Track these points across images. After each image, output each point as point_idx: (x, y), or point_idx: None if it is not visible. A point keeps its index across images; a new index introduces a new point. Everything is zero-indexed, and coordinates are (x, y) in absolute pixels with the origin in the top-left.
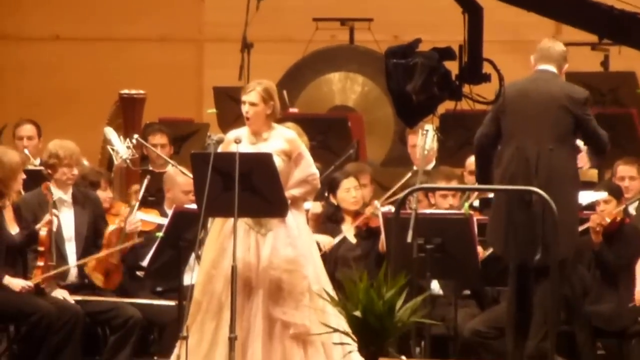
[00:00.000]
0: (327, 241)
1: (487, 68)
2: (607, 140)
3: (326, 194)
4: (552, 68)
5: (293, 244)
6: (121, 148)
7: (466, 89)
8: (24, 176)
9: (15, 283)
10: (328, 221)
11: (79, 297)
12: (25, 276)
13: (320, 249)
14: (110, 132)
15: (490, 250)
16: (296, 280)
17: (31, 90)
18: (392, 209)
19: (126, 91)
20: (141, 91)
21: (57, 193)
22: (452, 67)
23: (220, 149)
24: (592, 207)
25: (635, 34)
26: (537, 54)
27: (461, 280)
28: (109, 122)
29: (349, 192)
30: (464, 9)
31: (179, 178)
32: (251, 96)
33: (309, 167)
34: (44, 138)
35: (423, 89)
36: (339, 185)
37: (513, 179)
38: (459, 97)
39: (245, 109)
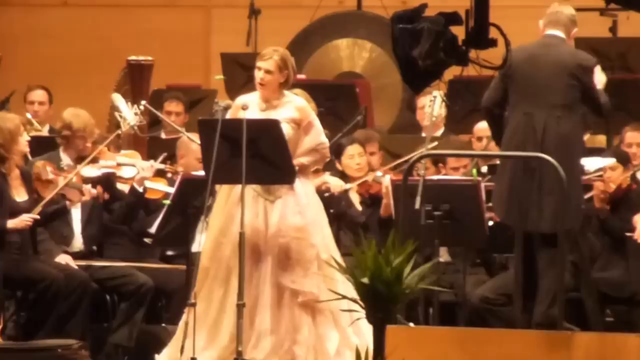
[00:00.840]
0: (339, 184)
1: (493, 33)
2: (607, 105)
3: (333, 159)
4: (559, 33)
5: (302, 212)
6: (129, 114)
7: (473, 54)
8: (27, 138)
9: (19, 220)
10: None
11: (83, 263)
12: (34, 248)
13: (329, 190)
14: (118, 99)
15: None
16: (304, 248)
17: (39, 57)
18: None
19: (134, 57)
20: (149, 57)
21: (65, 160)
22: (459, 32)
23: (229, 114)
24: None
25: None
26: (546, 19)
27: (469, 246)
28: (116, 88)
29: (353, 159)
30: None
31: (194, 145)
32: (268, 63)
33: (318, 136)
34: (55, 106)
35: (429, 54)
36: (344, 152)
37: (520, 146)
38: (466, 63)
39: (260, 75)
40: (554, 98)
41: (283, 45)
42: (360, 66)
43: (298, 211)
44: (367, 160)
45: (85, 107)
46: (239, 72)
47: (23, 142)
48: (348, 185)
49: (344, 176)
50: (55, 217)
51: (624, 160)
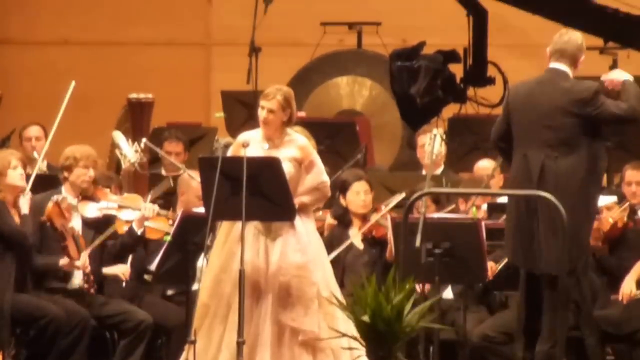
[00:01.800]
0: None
1: (491, 71)
2: (630, 112)
3: (337, 194)
4: (563, 67)
5: (302, 249)
6: (129, 152)
7: (471, 91)
8: (21, 172)
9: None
10: (336, 221)
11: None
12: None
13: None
14: (119, 136)
15: (504, 261)
16: (305, 286)
17: (40, 95)
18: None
19: (134, 95)
20: (149, 95)
21: (69, 198)
22: (458, 70)
23: (230, 152)
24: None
25: None
26: (552, 47)
27: (470, 284)
28: (117, 126)
29: (359, 196)
30: (468, 12)
31: (194, 182)
32: (271, 103)
33: (320, 175)
34: (53, 142)
35: (427, 91)
36: (350, 188)
37: (520, 187)
38: (464, 100)
39: (263, 114)
40: (549, 138)
41: (283, 83)
42: (361, 104)
43: (299, 249)
44: (371, 199)
45: (86, 143)
46: (240, 110)
47: (14, 176)
48: (344, 246)
49: (347, 212)
50: (46, 271)
51: (619, 199)
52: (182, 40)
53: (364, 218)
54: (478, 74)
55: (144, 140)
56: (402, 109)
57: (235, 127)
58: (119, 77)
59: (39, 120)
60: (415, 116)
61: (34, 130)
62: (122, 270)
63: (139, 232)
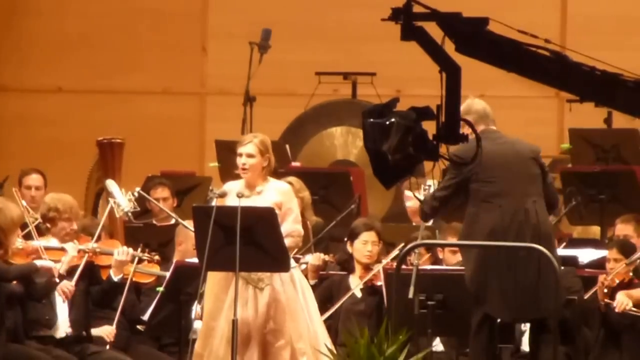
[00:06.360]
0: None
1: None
2: (554, 202)
3: (345, 240)
4: (494, 127)
5: (289, 299)
6: (123, 201)
7: (443, 148)
8: (19, 232)
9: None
10: (339, 266)
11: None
12: (29, 326)
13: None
14: (112, 185)
15: None
16: (275, 339)
17: (33, 142)
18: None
19: (102, 138)
20: (118, 138)
21: (55, 245)
22: (431, 126)
23: (214, 202)
24: (601, 265)
25: (618, 95)
26: (477, 115)
27: (462, 336)
28: (90, 174)
29: (366, 245)
30: (441, 68)
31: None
32: (248, 147)
33: (295, 223)
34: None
35: (398, 148)
36: (358, 236)
37: (504, 236)
38: (436, 158)
39: (242, 160)
40: (527, 186)
41: (277, 132)
42: (355, 154)
43: (286, 298)
44: (378, 250)
45: (79, 192)
46: (234, 160)
47: (17, 234)
48: (353, 288)
49: (351, 259)
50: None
51: (628, 251)
52: (176, 89)
53: (367, 267)
54: (450, 131)
55: (137, 189)
56: (375, 166)
57: (229, 176)
58: (113, 125)
59: (33, 167)
60: (388, 174)
61: (34, 179)
62: (106, 332)
63: (116, 279)
